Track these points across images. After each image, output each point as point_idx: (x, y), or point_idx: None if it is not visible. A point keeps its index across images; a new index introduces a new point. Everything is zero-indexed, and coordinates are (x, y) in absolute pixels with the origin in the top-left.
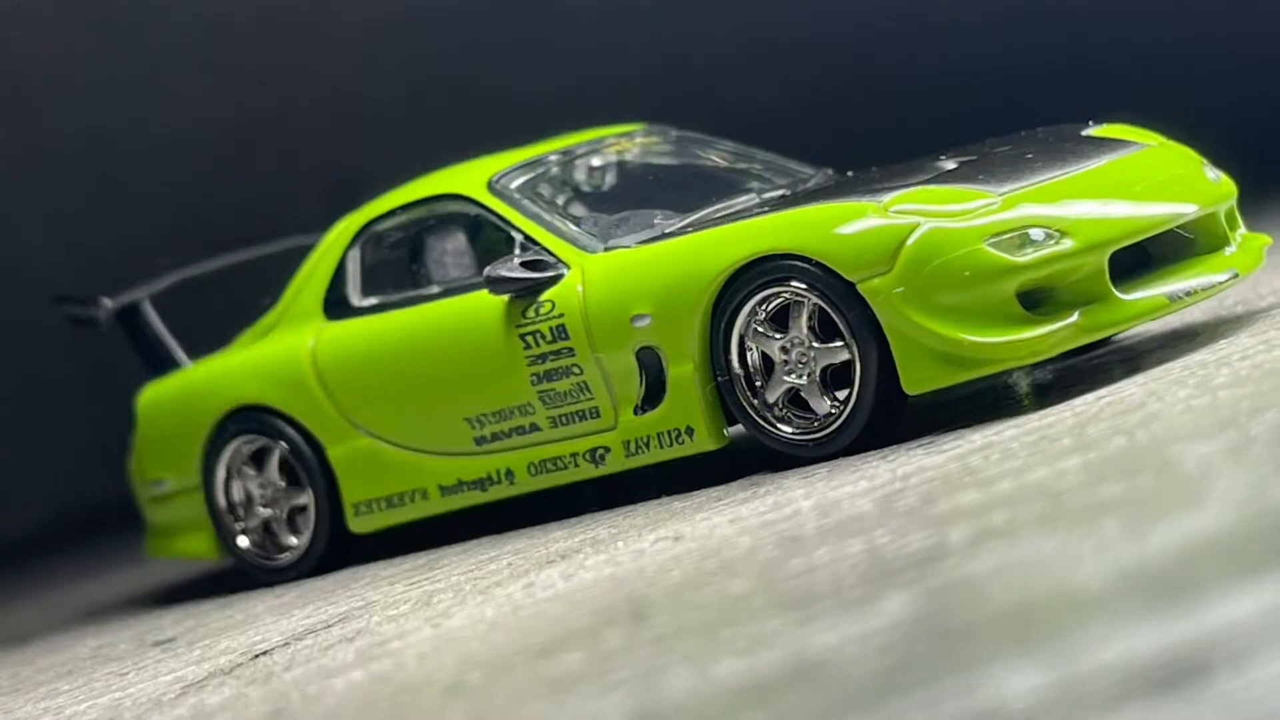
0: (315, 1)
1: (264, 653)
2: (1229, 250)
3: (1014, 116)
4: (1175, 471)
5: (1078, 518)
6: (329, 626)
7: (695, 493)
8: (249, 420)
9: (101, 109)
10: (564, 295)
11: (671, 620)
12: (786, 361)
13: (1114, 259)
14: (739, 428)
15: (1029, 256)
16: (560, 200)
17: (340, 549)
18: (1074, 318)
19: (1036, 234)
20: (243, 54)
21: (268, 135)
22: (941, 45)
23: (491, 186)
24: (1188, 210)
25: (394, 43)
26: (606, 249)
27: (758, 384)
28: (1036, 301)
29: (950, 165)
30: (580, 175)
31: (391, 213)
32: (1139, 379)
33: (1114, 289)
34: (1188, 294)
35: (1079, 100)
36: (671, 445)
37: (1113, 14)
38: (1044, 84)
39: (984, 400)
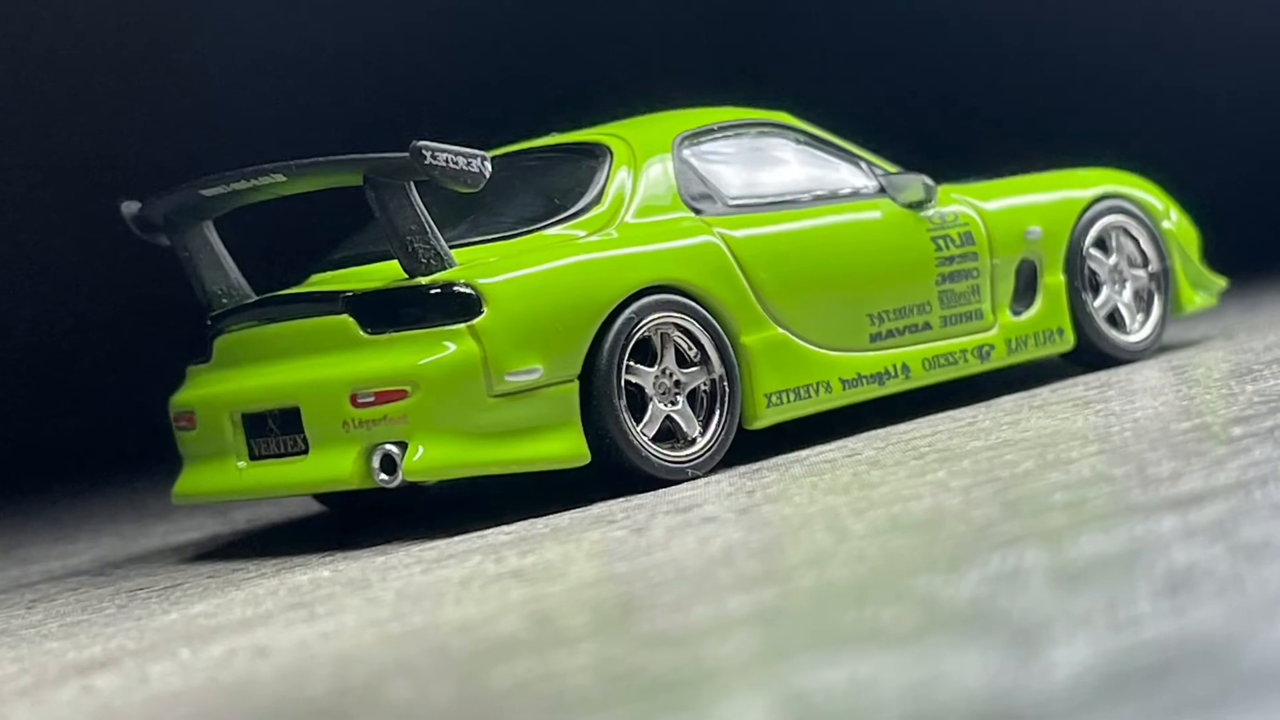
0: None
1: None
2: None
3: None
4: None
5: None
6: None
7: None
8: (653, 305)
9: None
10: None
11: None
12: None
13: None
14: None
15: None
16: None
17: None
18: None
19: None
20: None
21: None
22: (936, 80)
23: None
24: None
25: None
26: None
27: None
28: None
29: None
30: None
31: (709, 129)
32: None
33: None
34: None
35: (1069, 140)
36: (1044, 345)
37: (1103, 57)
38: (1035, 123)
39: None
